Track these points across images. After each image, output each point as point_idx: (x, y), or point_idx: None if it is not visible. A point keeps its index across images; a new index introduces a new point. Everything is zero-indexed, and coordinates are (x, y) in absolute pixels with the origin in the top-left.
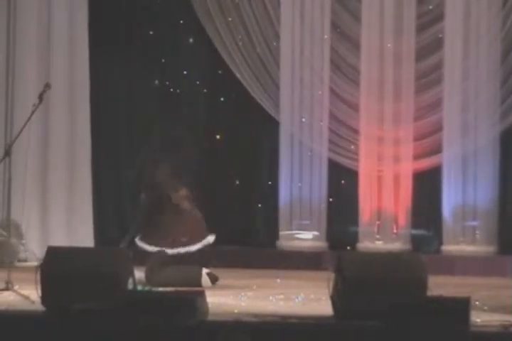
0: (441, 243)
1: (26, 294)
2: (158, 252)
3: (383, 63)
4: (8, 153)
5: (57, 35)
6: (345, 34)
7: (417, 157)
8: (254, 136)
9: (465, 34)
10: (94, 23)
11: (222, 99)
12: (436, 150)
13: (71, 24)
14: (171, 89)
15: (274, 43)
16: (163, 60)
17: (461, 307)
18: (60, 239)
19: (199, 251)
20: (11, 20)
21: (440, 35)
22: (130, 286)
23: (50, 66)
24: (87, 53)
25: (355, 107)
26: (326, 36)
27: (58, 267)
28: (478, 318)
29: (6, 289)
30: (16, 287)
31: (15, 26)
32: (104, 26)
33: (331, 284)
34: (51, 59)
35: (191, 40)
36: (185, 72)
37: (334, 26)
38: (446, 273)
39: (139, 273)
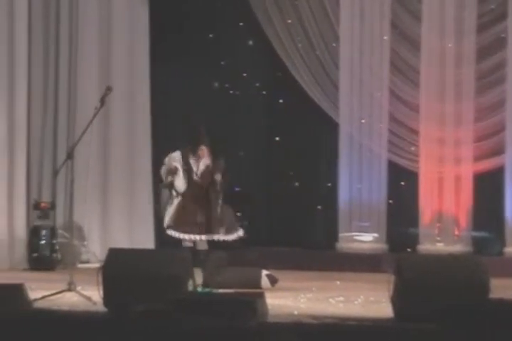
0: (503, 245)
1: (88, 295)
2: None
3: (444, 64)
4: (70, 156)
5: (118, 39)
6: (405, 35)
7: (478, 158)
8: (313, 137)
9: None
10: (155, 26)
11: (281, 100)
12: (499, 151)
13: (131, 27)
14: (231, 91)
15: (334, 45)
16: (222, 63)
17: None
18: (121, 241)
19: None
20: (73, 24)
21: (503, 35)
22: (190, 288)
23: (111, 69)
24: (148, 56)
25: (415, 108)
26: (385, 37)
27: (119, 269)
28: None
29: (69, 290)
30: (79, 288)
31: (77, 30)
32: (164, 29)
33: (391, 286)
34: (112, 62)
35: (250, 43)
36: (244, 74)
37: (394, 27)
38: (509, 276)
39: None
